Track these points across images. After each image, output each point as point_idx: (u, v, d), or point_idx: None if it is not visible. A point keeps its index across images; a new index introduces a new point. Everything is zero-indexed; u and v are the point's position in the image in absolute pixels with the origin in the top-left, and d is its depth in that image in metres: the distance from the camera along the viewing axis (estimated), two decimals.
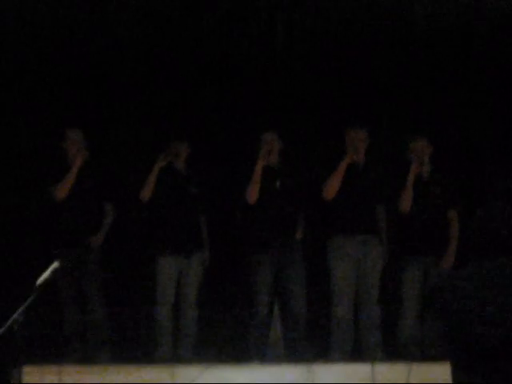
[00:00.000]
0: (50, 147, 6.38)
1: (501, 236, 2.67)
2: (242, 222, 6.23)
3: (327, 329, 6.01)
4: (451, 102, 6.91)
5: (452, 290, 2.67)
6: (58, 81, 6.89)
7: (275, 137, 6.18)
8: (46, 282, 3.90)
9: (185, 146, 6.24)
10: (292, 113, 6.88)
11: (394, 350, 6.01)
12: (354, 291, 5.98)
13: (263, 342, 6.03)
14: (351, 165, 6.04)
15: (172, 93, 6.97)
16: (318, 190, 6.07)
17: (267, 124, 6.31)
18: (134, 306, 6.54)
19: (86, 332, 6.03)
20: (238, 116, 6.93)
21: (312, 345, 6.07)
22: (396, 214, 6.08)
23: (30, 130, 6.82)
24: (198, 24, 6.97)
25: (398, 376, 5.17)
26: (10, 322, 3.57)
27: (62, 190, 6.04)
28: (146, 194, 6.07)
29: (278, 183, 6.14)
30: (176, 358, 6.00)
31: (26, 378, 4.63)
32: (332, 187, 6.01)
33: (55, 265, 3.99)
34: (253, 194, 6.02)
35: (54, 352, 5.98)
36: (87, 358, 5.98)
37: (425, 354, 5.91)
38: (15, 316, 3.59)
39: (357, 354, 6.00)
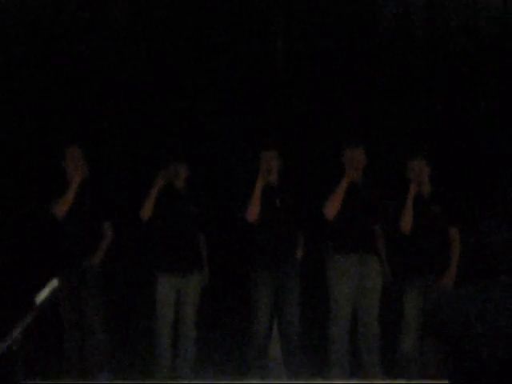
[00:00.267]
0: (49, 165, 6.38)
1: (500, 254, 2.67)
2: (242, 239, 6.23)
3: (326, 347, 6.01)
4: (450, 121, 6.92)
5: (452, 309, 2.65)
6: (57, 99, 6.90)
7: (275, 155, 6.19)
8: (45, 300, 3.88)
9: (184, 167, 6.24)
10: (291, 131, 6.89)
11: (393, 369, 6.00)
12: (352, 309, 5.98)
13: (263, 360, 6.02)
14: (350, 184, 6.04)
15: (171, 112, 6.98)
16: (317, 208, 6.07)
17: (267, 142, 6.31)
18: (133, 325, 6.52)
19: (84, 351, 6.01)
20: (238, 134, 6.93)
21: (311, 362, 6.06)
22: (396, 233, 6.08)
23: (29, 147, 6.82)
24: (198, 42, 7.00)
25: None
26: (8, 340, 3.55)
27: (61, 208, 6.03)
28: (146, 213, 6.06)
29: (277, 201, 6.14)
30: (175, 377, 5.98)
31: None
32: (333, 206, 6.01)
33: (54, 283, 3.97)
34: (253, 212, 6.03)
35: (52, 370, 5.96)
36: (86, 377, 5.96)
37: (424, 373, 5.90)
38: (14, 334, 3.57)
39: (356, 371, 5.99)
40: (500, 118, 6.87)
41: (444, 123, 6.92)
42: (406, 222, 5.99)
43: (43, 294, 3.88)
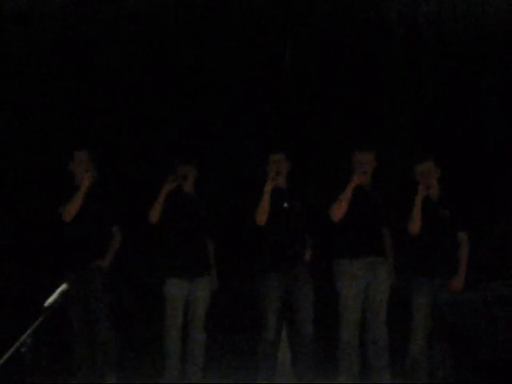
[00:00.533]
0: (58, 169, 6.40)
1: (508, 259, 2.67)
2: (250, 242, 6.23)
3: (335, 351, 6.01)
4: (460, 124, 6.91)
5: (461, 313, 2.66)
6: (66, 103, 6.93)
7: (283, 158, 6.19)
8: (54, 304, 3.89)
9: (193, 170, 6.25)
10: (300, 134, 6.90)
11: (402, 373, 5.99)
12: (361, 313, 5.98)
13: (271, 365, 6.02)
14: (358, 187, 6.04)
15: (180, 115, 6.99)
16: (326, 211, 6.07)
17: (275, 145, 6.32)
18: (142, 329, 6.52)
19: (94, 354, 6.02)
20: (246, 138, 6.94)
21: (320, 367, 6.05)
22: (405, 236, 6.07)
23: (39, 152, 6.84)
24: (210, 49, 7.02)
25: None
26: (18, 344, 3.56)
27: (69, 211, 6.03)
28: (154, 216, 6.06)
29: (286, 204, 6.14)
30: (184, 381, 5.98)
31: None
32: (339, 209, 6.01)
33: (63, 287, 3.98)
34: (262, 215, 6.02)
35: (61, 374, 5.97)
36: (95, 380, 5.97)
37: (433, 377, 5.88)
38: (23, 338, 3.58)
39: (365, 376, 5.99)
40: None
41: (454, 126, 6.92)
42: (414, 225, 5.98)
43: (53, 298, 3.89)
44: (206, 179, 6.41)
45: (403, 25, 7.12)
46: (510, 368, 2.33)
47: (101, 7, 6.96)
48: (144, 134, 6.98)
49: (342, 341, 5.94)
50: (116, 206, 6.31)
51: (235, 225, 6.52)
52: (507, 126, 6.86)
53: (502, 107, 6.91)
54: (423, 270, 5.98)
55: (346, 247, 6.04)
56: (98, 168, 6.22)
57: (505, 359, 2.35)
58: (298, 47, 7.08)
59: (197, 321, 6.08)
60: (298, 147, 6.72)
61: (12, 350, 3.53)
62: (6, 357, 3.52)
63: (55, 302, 3.92)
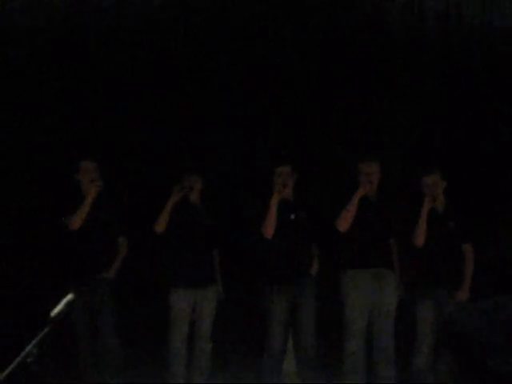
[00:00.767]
0: (64, 179, 6.41)
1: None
2: (257, 254, 6.22)
3: (341, 362, 6.00)
4: (465, 136, 6.91)
5: (466, 324, 2.65)
6: (73, 113, 6.94)
7: (289, 170, 6.19)
8: (60, 314, 3.89)
9: (199, 180, 6.26)
10: (306, 146, 6.90)
11: (407, 383, 5.99)
12: (367, 324, 5.98)
13: (277, 375, 6.02)
14: (364, 198, 6.05)
15: (188, 127, 7.00)
16: (332, 222, 6.07)
17: (281, 158, 6.32)
18: (148, 340, 6.52)
19: (99, 364, 6.02)
20: (253, 149, 6.95)
21: (326, 378, 6.04)
22: (410, 248, 6.07)
23: (46, 162, 6.85)
24: (215, 57, 7.02)
25: None
26: (23, 354, 3.57)
27: (76, 221, 6.04)
28: (160, 226, 6.07)
29: (292, 216, 6.14)
30: None
31: None
32: (345, 220, 6.01)
33: (69, 297, 3.98)
34: (269, 228, 6.02)
35: (67, 382, 5.97)
36: None
37: None
38: (29, 348, 3.58)
39: None
40: None
41: (461, 138, 6.92)
42: (420, 236, 5.98)
43: (59, 309, 3.90)
44: (211, 190, 6.42)
45: (410, 29, 7.10)
46: None
47: (101, 11, 6.98)
48: (150, 145, 6.99)
49: (347, 352, 5.94)
50: (122, 216, 6.32)
51: (241, 235, 6.52)
52: None
53: (509, 116, 6.90)
54: (428, 281, 5.98)
55: (352, 258, 6.04)
56: (104, 178, 6.23)
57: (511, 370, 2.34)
58: (303, 54, 7.07)
59: (203, 331, 6.09)
60: (305, 159, 6.71)
61: (18, 360, 3.54)
62: (11, 367, 3.52)
63: (61, 312, 3.93)
